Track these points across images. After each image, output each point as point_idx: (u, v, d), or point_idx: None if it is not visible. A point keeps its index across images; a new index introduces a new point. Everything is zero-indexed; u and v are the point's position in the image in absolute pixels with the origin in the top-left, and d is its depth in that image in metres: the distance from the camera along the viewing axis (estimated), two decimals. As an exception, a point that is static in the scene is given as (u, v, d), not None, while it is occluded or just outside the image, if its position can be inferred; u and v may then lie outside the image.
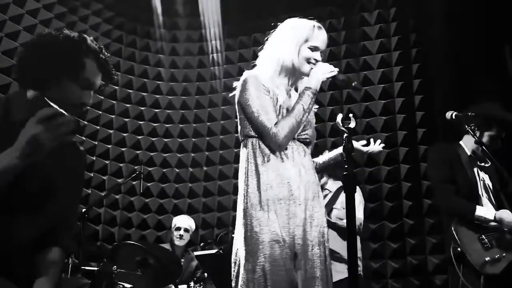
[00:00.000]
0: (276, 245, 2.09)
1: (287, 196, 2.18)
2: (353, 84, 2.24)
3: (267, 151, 2.24)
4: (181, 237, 4.93)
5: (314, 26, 2.37)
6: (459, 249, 3.12)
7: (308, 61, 2.33)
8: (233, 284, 2.18)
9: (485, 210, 3.22)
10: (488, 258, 3.09)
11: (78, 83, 1.78)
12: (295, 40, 2.34)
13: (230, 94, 2.43)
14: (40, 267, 1.78)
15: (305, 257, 2.14)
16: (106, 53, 1.87)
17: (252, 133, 2.28)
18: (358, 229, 3.97)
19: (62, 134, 1.50)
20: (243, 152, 2.32)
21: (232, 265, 2.22)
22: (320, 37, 2.37)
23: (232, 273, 2.20)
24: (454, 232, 3.17)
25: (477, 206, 3.23)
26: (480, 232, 3.19)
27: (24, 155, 1.48)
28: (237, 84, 2.37)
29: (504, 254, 3.13)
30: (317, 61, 2.34)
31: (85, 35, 1.86)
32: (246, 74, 2.34)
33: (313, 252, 2.16)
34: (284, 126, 2.20)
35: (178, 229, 4.96)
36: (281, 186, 2.18)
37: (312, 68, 2.33)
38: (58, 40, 1.78)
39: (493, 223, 3.19)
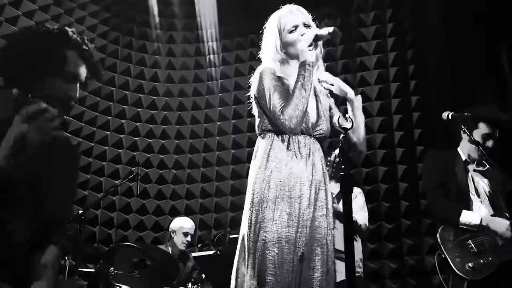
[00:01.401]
0: (280, 244, 2.06)
1: (297, 195, 2.14)
2: (329, 31, 2.18)
3: (282, 147, 2.21)
4: (188, 243, 4.88)
5: (283, 12, 2.39)
6: (443, 255, 3.12)
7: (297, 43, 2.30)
8: (232, 283, 2.15)
9: (471, 216, 3.19)
10: (472, 264, 3.06)
11: (61, 77, 1.76)
12: (278, 34, 2.36)
13: (248, 94, 2.41)
14: (36, 269, 1.76)
15: (308, 258, 2.10)
16: (89, 45, 1.83)
17: (269, 126, 2.26)
18: (365, 229, 4.00)
19: (50, 129, 1.49)
20: (259, 146, 2.29)
21: (235, 262, 2.19)
22: (292, 15, 2.36)
23: (234, 268, 2.17)
24: (438, 239, 3.17)
25: (464, 211, 3.19)
26: (468, 236, 3.17)
27: (12, 154, 1.47)
28: (252, 80, 2.35)
29: (490, 259, 3.09)
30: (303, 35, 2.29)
31: (66, 27, 1.82)
32: (260, 68, 2.34)
33: (316, 253, 2.12)
34: (289, 112, 2.15)
35: (186, 234, 4.87)
36: (292, 184, 2.15)
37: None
38: (39, 36, 1.76)
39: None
